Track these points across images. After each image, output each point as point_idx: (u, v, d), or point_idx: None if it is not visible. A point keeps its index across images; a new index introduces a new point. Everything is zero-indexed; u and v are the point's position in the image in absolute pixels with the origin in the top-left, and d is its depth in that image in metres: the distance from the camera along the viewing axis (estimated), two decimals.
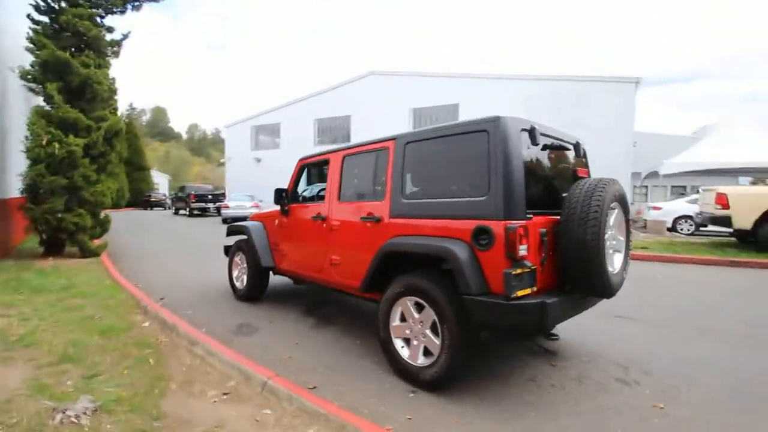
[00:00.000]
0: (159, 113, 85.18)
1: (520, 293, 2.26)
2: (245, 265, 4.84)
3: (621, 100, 15.48)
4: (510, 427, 2.23)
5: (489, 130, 2.46)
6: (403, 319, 2.85)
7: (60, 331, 3.48)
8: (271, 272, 4.65)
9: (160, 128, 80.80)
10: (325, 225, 3.63)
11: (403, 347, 2.82)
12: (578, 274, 2.44)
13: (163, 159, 62.95)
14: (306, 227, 3.91)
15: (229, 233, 5.25)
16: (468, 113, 18.27)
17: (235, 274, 5.07)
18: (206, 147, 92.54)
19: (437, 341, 2.57)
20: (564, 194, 2.62)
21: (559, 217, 2.55)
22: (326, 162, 3.90)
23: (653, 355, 3.23)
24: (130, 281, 5.57)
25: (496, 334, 3.08)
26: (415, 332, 2.74)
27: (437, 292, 2.54)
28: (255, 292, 4.76)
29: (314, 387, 2.65)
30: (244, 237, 4.88)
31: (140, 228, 14.65)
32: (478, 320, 2.38)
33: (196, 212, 21.51)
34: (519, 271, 2.25)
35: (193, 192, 21.77)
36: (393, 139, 3.10)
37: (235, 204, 17.46)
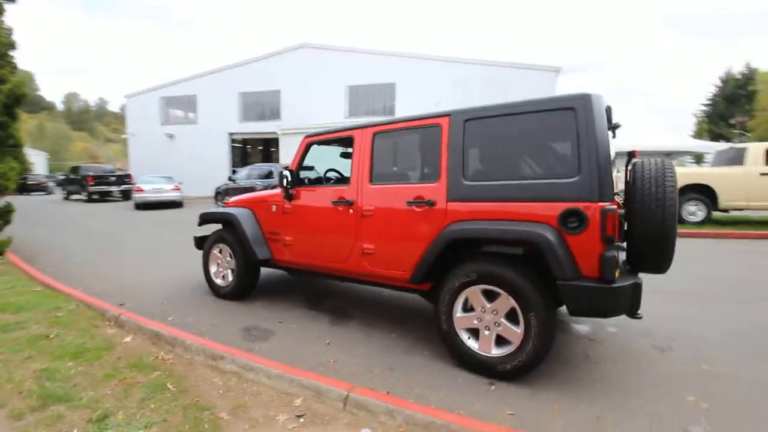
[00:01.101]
0: (23, 79, 70.66)
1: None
2: (230, 258, 4.19)
3: (543, 87, 16.76)
4: (605, 406, 2.23)
5: (577, 108, 2.34)
6: (466, 309, 2.68)
7: (14, 361, 2.63)
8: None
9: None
10: (352, 211, 3.24)
11: (469, 338, 2.66)
12: (652, 252, 2.50)
13: (36, 134, 52.67)
14: (322, 214, 3.46)
15: (204, 222, 4.49)
16: (405, 93, 18.30)
17: (213, 269, 4.37)
18: (89, 120, 79.66)
19: (517, 329, 2.45)
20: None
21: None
22: (346, 140, 3.47)
23: (695, 325, 3.54)
24: (67, 285, 4.50)
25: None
26: (485, 322, 2.59)
27: (521, 280, 2.41)
28: (244, 289, 4.16)
29: (387, 392, 2.38)
30: (229, 226, 4.21)
31: (34, 218, 12.07)
32: (573, 306, 2.31)
33: (95, 197, 18.43)
34: (616, 253, 2.22)
35: (90, 174, 18.55)
36: (446, 115, 2.83)
37: (151, 187, 15.31)
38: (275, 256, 3.94)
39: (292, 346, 3.06)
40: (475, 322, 2.63)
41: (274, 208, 3.89)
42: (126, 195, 18.66)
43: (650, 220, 2.46)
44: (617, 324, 3.44)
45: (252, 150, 29.56)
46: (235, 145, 23.79)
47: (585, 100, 2.34)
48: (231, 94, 21.32)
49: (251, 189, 11.85)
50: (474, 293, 2.61)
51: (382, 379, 2.56)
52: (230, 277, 4.22)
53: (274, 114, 20.91)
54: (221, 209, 4.39)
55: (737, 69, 43.54)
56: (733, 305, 3.98)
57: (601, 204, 2.24)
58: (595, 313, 2.28)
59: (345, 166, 4.40)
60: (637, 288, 2.27)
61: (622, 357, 2.88)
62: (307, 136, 3.72)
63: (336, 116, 19.08)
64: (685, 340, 3.13)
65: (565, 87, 16.64)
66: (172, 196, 15.70)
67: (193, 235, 4.65)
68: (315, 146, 3.74)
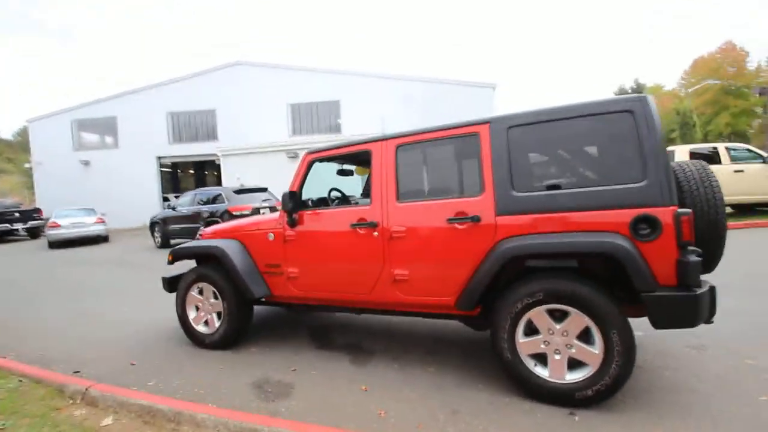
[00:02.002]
0: None
1: None
2: (215, 299, 3.54)
3: (482, 102, 17.63)
4: (697, 419, 2.09)
5: (635, 110, 2.24)
6: (529, 332, 2.43)
7: None
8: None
9: None
10: (377, 233, 2.86)
11: (536, 365, 2.41)
12: (705, 253, 2.46)
13: None
14: (338, 239, 3.03)
15: (178, 259, 3.79)
16: (350, 110, 18.16)
17: (192, 315, 3.67)
18: None
19: (595, 350, 2.25)
20: None
21: None
22: (360, 155, 3.10)
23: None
24: None
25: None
26: (555, 345, 2.35)
27: (597, 296, 2.22)
28: (237, 334, 3.53)
29: None
30: (210, 261, 3.58)
31: None
32: (659, 318, 2.15)
33: None
34: (696, 259, 2.12)
35: None
36: (484, 122, 2.61)
37: (70, 221, 13.30)
38: (275, 292, 3.39)
39: (324, 399, 2.57)
40: (542, 346, 2.39)
41: (271, 236, 3.36)
42: (34, 233, 16.09)
43: (703, 221, 2.42)
44: (638, 327, 3.42)
45: (184, 174, 27.36)
46: (164, 169, 21.79)
47: (642, 102, 2.25)
48: (158, 114, 19.56)
49: (196, 217, 10.73)
50: (539, 314, 2.37)
51: (453, 425, 2.20)
52: (216, 322, 3.56)
53: (210, 134, 19.53)
54: (199, 243, 3.73)
55: (628, 85, 50.18)
56: (744, 297, 4.20)
57: (672, 208, 2.14)
58: (680, 324, 2.15)
59: (341, 184, 4.04)
60: (713, 291, 2.19)
61: (671, 361, 2.82)
62: (309, 153, 3.28)
63: (279, 135, 18.32)
64: (712, 336, 3.17)
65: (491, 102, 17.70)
66: (96, 230, 13.77)
67: (161, 276, 3.89)
68: (317, 164, 3.31)
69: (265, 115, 18.48)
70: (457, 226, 2.60)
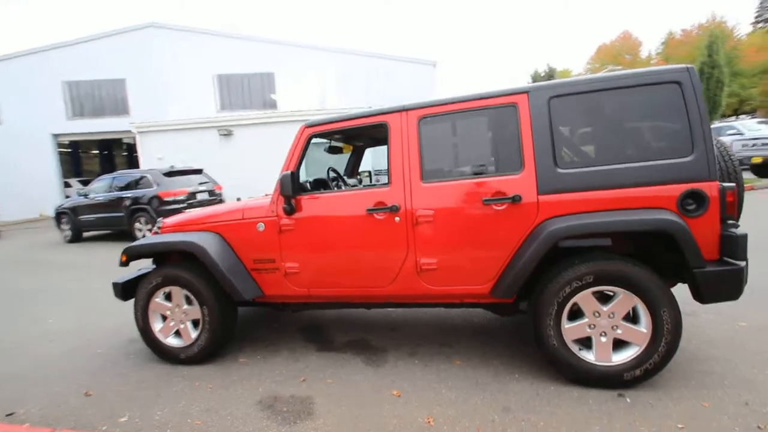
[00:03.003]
0: None
1: None
2: (189, 305, 2.95)
3: (423, 79, 17.55)
4: (730, 384, 2.16)
5: (682, 81, 2.16)
6: (573, 317, 2.32)
7: None
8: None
9: None
10: (399, 219, 2.52)
11: (581, 350, 2.31)
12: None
13: None
14: (351, 227, 2.63)
15: (133, 258, 3.07)
16: (286, 84, 16.97)
17: (159, 326, 3.03)
18: None
19: (643, 329, 2.20)
20: None
21: None
22: (373, 128, 2.69)
23: None
24: None
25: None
26: (601, 327, 2.27)
27: (648, 275, 2.15)
28: (221, 344, 2.99)
29: None
30: (188, 257, 2.97)
31: None
32: (710, 293, 2.15)
33: None
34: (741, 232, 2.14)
35: None
36: (523, 92, 2.36)
37: None
38: (268, 291, 2.90)
39: (355, 413, 2.23)
40: (588, 330, 2.29)
41: (261, 227, 2.84)
42: None
43: None
44: None
45: (87, 155, 23.75)
46: (62, 150, 18.62)
47: (690, 73, 2.17)
48: (51, 83, 16.42)
49: (116, 204, 9.28)
50: (586, 298, 2.26)
51: (513, 425, 2.02)
52: (192, 332, 2.97)
53: (120, 108, 16.96)
54: (162, 238, 3.05)
55: (541, 68, 53.98)
56: None
57: (716, 182, 2.12)
58: (727, 297, 2.17)
59: (333, 163, 3.59)
60: (747, 266, 2.25)
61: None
62: (308, 126, 2.77)
63: (206, 109, 16.52)
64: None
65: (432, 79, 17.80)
66: None
67: (113, 281, 3.14)
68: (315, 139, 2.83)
69: (188, 88, 16.49)
70: (494, 207, 2.36)
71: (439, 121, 2.53)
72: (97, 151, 25.15)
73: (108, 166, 23.80)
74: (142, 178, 9.44)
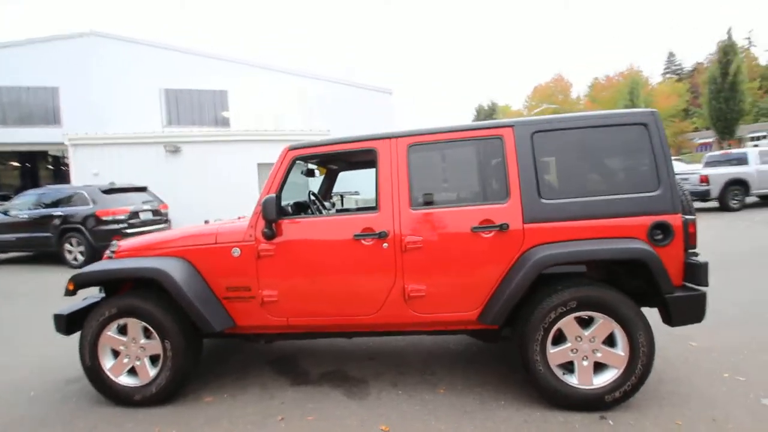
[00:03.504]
0: None
1: None
2: (150, 339, 2.65)
3: (379, 106, 17.96)
4: (711, 409, 2.33)
5: (649, 123, 2.39)
6: (556, 341, 2.39)
7: None
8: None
9: None
10: (387, 245, 2.48)
11: (565, 374, 2.38)
12: None
13: None
14: (337, 253, 2.54)
15: (83, 286, 2.72)
16: (240, 103, 16.56)
17: (109, 364, 2.68)
18: None
19: (621, 353, 2.31)
20: None
21: None
22: (360, 154, 2.66)
23: None
24: None
25: None
26: (582, 352, 2.36)
27: (622, 300, 2.29)
28: (183, 381, 2.70)
29: None
30: (146, 285, 2.69)
31: None
32: (679, 317, 2.32)
33: None
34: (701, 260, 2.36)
35: None
36: (508, 126, 2.47)
37: None
38: (241, 322, 2.70)
39: None
40: (570, 354, 2.37)
41: (236, 252, 2.66)
42: None
43: None
44: None
45: (5, 168, 21.22)
46: None
47: (654, 116, 2.42)
48: None
49: (43, 223, 8.30)
50: (569, 323, 2.34)
51: None
52: (151, 369, 2.66)
53: (50, 118, 15.47)
54: (119, 264, 2.74)
55: (485, 103, 57.65)
56: None
57: (679, 215, 2.35)
58: (692, 320, 2.35)
59: (303, 186, 3.49)
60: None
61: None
62: (292, 148, 2.68)
63: (150, 123, 15.54)
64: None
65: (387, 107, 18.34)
66: None
67: (54, 313, 2.75)
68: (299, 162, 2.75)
69: (131, 101, 15.48)
70: (483, 234, 2.41)
71: (428, 150, 2.57)
72: (17, 164, 22.55)
73: (31, 179, 21.38)
74: (75, 194, 8.56)
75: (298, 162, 2.73)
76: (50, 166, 23.52)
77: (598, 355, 2.35)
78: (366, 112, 17.25)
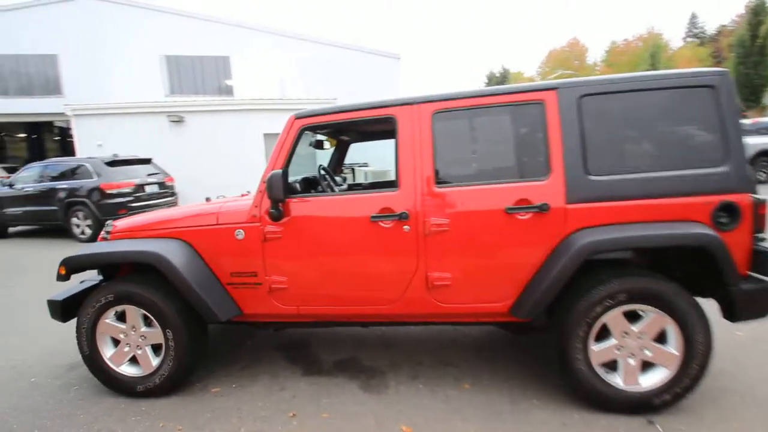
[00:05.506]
0: None
1: None
2: (151, 327, 2.45)
3: (386, 72, 17.19)
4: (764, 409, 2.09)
5: (717, 86, 2.01)
6: (599, 338, 2.13)
7: None
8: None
9: None
10: (408, 228, 2.20)
11: (608, 373, 2.13)
12: None
13: None
14: (351, 235, 2.27)
15: (74, 271, 2.50)
16: (243, 70, 15.96)
17: (109, 352, 2.50)
18: None
19: (674, 351, 2.04)
20: None
21: None
22: (378, 122, 2.33)
23: None
24: None
25: None
26: (629, 349, 2.09)
27: (679, 293, 2.00)
28: (189, 370, 2.52)
29: None
30: (145, 269, 2.46)
31: None
32: (746, 311, 2.03)
33: None
34: None
35: None
36: (551, 88, 2.11)
37: None
38: (248, 309, 2.47)
39: None
40: (616, 351, 2.11)
41: (240, 234, 2.40)
42: None
43: None
44: None
45: (12, 139, 21.07)
46: None
47: (724, 77, 2.03)
48: None
49: (48, 196, 8.15)
50: (616, 318, 2.07)
51: None
52: (153, 359, 2.48)
53: (51, 88, 15.09)
54: (112, 246, 2.51)
55: (497, 70, 55.44)
56: None
57: (750, 195, 2.01)
58: (760, 314, 2.06)
59: (318, 159, 3.17)
60: None
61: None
62: (298, 117, 2.36)
63: (153, 92, 15.11)
64: None
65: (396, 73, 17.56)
66: None
67: (48, 299, 2.55)
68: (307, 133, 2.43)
69: (133, 68, 14.98)
70: (518, 216, 2.11)
71: (455, 117, 2.22)
72: (24, 135, 22.39)
73: (37, 152, 21.25)
74: (79, 167, 8.34)
75: (306, 133, 2.40)
76: (56, 138, 23.35)
77: (647, 353, 2.09)
78: (372, 79, 16.53)
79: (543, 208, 2.08)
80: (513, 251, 2.14)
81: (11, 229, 9.08)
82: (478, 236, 2.16)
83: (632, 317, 2.09)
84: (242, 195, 2.92)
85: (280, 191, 2.17)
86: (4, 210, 8.55)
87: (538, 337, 2.87)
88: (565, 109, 2.08)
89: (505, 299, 2.19)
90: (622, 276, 2.04)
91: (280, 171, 2.19)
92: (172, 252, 2.37)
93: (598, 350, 2.10)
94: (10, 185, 8.63)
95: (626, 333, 2.08)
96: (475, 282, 2.21)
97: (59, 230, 8.36)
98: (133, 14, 15.17)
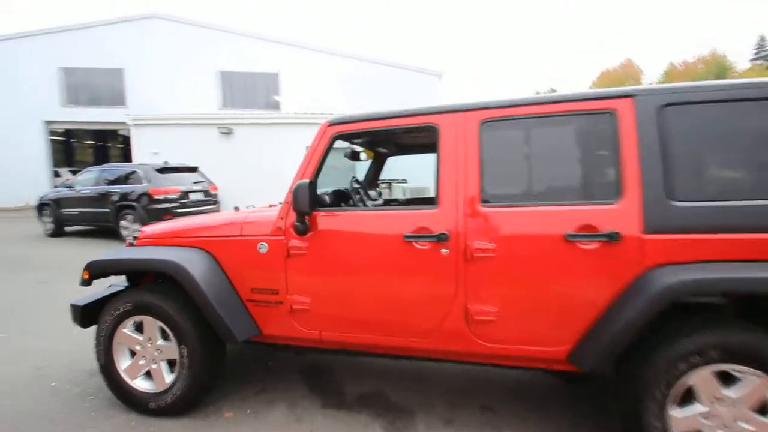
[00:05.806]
0: None
1: None
2: (167, 341, 2.31)
3: (428, 90, 17.03)
4: None
5: None
6: (686, 400, 1.71)
7: None
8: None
9: None
10: (448, 251, 1.92)
11: None
12: None
13: None
14: (380, 256, 2.03)
15: (97, 276, 2.43)
16: (290, 86, 16.47)
17: (125, 364, 2.38)
18: None
19: None
20: None
21: None
22: (417, 131, 2.10)
23: None
24: None
25: None
26: (720, 419, 1.66)
27: None
28: (204, 390, 2.35)
29: None
30: (167, 278, 2.35)
31: None
32: None
33: None
34: None
35: None
36: (626, 96, 1.79)
37: None
38: (267, 330, 2.28)
39: None
40: (703, 421, 1.68)
41: (263, 248, 2.22)
42: None
43: None
44: None
45: (81, 145, 22.98)
46: (54, 137, 17.87)
47: None
48: (47, 69, 15.74)
49: (102, 199, 8.60)
50: (705, 378, 1.65)
51: None
52: (167, 377, 2.33)
53: (116, 99, 16.29)
54: (135, 252, 2.42)
55: (543, 89, 54.05)
56: None
57: None
58: None
59: (343, 171, 2.98)
60: None
61: None
62: (332, 123, 2.17)
63: (206, 106, 15.91)
64: None
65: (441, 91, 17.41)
66: None
67: (71, 303, 2.49)
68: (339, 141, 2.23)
69: (189, 82, 15.89)
70: (580, 245, 1.77)
71: (507, 128, 1.94)
72: (92, 142, 24.40)
73: (102, 157, 23.03)
74: (132, 172, 8.78)
75: (338, 141, 2.21)
76: (120, 145, 25.22)
77: (746, 426, 1.65)
78: (414, 97, 16.45)
79: (612, 237, 1.73)
80: (573, 286, 1.80)
81: (68, 229, 9.65)
82: (529, 266, 1.84)
83: (727, 379, 1.67)
84: (270, 206, 2.77)
85: (306, 203, 1.98)
86: (62, 210, 9.12)
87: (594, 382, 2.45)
88: (643, 120, 1.74)
89: (561, 344, 1.84)
90: (710, 327, 1.64)
91: (307, 181, 1.99)
92: (191, 261, 2.23)
93: (680, 417, 1.68)
94: (70, 187, 9.21)
95: (717, 398, 1.66)
96: (524, 320, 1.87)
97: (111, 232, 8.76)
98: (193, 33, 16.18)
